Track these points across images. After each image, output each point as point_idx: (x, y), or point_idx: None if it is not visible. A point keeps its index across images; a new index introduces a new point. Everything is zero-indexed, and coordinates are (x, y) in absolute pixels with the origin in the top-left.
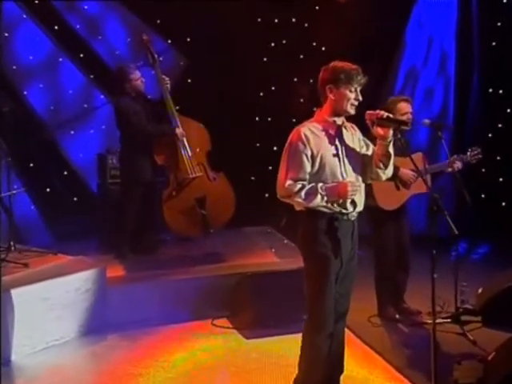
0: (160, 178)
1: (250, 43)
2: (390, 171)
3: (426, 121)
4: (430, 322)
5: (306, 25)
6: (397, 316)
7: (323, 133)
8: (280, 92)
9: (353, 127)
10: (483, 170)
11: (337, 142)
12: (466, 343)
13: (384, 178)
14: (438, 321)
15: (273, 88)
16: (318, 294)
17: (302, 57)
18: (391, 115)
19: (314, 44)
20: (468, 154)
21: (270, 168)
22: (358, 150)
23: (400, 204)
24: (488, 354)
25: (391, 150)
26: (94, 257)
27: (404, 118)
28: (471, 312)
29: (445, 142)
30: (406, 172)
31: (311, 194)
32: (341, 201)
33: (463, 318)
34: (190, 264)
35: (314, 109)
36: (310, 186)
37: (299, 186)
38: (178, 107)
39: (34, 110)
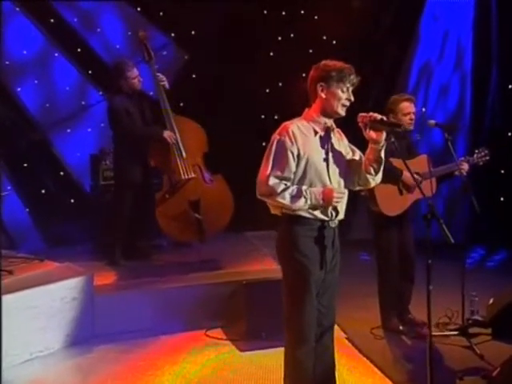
0: (155, 180)
1: (256, 37)
2: (379, 177)
3: (432, 122)
4: (436, 334)
5: (316, 17)
6: (401, 327)
7: (312, 133)
8: (287, 88)
9: (339, 132)
10: (502, 171)
11: (326, 145)
12: (472, 357)
13: (373, 184)
14: (444, 333)
15: (280, 84)
16: (297, 306)
17: (311, 51)
18: (385, 117)
19: (324, 38)
20: (475, 155)
21: None
22: (344, 154)
23: (403, 209)
24: (493, 369)
25: (383, 154)
26: (85, 263)
27: (406, 118)
28: (480, 324)
29: (452, 144)
30: (410, 176)
31: (295, 196)
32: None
33: (472, 330)
34: (185, 271)
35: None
36: (295, 187)
37: (283, 185)
38: (181, 104)
39: (26, 108)
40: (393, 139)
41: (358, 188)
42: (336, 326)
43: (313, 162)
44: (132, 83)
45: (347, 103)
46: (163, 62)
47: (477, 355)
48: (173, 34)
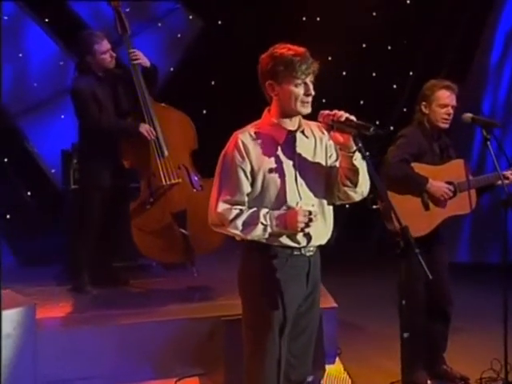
0: (133, 183)
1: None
2: (363, 189)
3: (468, 115)
4: None
5: None
6: (429, 382)
7: (269, 141)
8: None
9: (319, 128)
10: None
11: (288, 154)
12: None
13: (357, 198)
14: None
15: None
16: (257, 355)
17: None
18: (352, 117)
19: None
20: None
21: None
22: (321, 161)
23: (431, 229)
24: None
25: (357, 162)
26: (44, 288)
27: (442, 111)
28: None
29: (492, 145)
30: (438, 185)
31: (250, 223)
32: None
33: None
34: (162, 302)
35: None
36: (250, 211)
37: (235, 211)
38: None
39: None
40: (360, 144)
41: (339, 202)
42: (344, 374)
43: (272, 178)
44: (101, 59)
45: (308, 99)
46: (169, 31)
47: None
48: None
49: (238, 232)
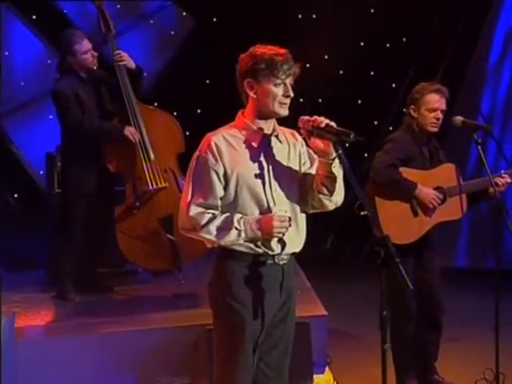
0: (119, 187)
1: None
2: (338, 198)
3: (458, 118)
4: None
5: None
6: None
7: (243, 144)
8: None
9: (293, 134)
10: None
11: (262, 158)
12: None
13: (331, 207)
14: None
15: (307, 66)
16: (229, 367)
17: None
18: (333, 123)
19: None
20: None
21: None
22: (295, 167)
23: (421, 235)
24: None
25: (336, 170)
26: (27, 295)
27: (430, 116)
28: None
29: (482, 150)
30: (427, 192)
31: (224, 228)
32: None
33: None
34: (145, 309)
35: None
36: (224, 216)
37: (208, 216)
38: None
39: None
40: (340, 151)
41: (312, 211)
42: None
43: (245, 181)
44: (82, 59)
45: (286, 100)
46: (161, 28)
47: None
48: None
49: (210, 237)
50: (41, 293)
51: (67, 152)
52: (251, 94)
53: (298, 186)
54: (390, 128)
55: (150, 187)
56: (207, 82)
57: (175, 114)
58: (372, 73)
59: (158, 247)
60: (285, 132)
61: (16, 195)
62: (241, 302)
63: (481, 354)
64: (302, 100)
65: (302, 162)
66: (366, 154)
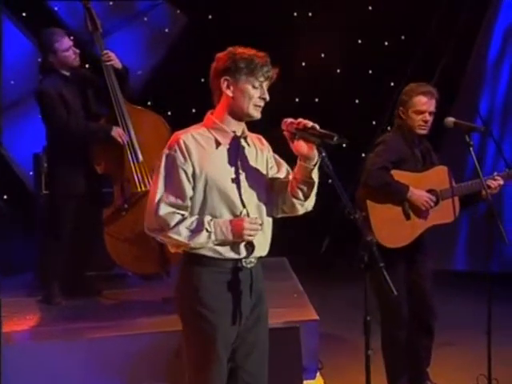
0: (107, 189)
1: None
2: (310, 204)
3: (450, 120)
4: None
5: None
6: None
7: (213, 144)
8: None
9: (260, 140)
10: None
11: (233, 159)
12: None
13: (301, 211)
14: None
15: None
16: (200, 374)
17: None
18: (316, 126)
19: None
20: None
21: None
22: (262, 170)
23: (413, 238)
24: None
25: (315, 175)
26: (13, 299)
27: (418, 118)
28: None
29: (474, 151)
30: (419, 194)
31: (194, 229)
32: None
33: None
34: (133, 314)
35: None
36: (194, 218)
37: (178, 216)
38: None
39: None
40: (324, 153)
41: (280, 215)
42: None
43: (215, 182)
44: (64, 57)
45: (261, 103)
46: (154, 26)
47: None
48: None
49: (180, 238)
50: (28, 296)
51: (53, 153)
52: (228, 92)
53: (266, 191)
54: (389, 128)
55: (139, 189)
56: (202, 80)
57: (170, 113)
58: (370, 72)
59: (146, 250)
60: (252, 137)
61: (5, 197)
62: (210, 308)
63: (476, 358)
64: (297, 100)
65: (269, 166)
66: (363, 155)
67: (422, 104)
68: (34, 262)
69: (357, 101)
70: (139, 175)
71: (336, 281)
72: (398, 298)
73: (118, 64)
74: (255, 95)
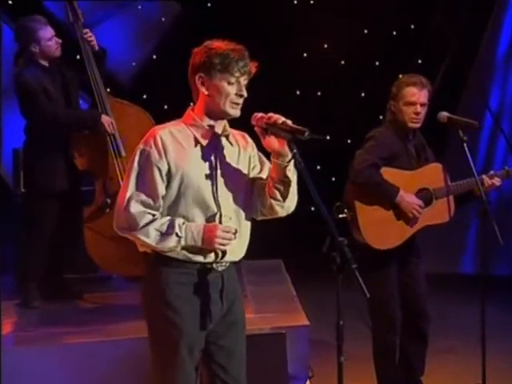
0: (88, 187)
1: None
2: (290, 204)
3: (444, 114)
4: None
5: None
6: None
7: (191, 141)
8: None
9: (244, 137)
10: None
11: (211, 158)
12: None
13: (282, 213)
14: None
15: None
16: (163, 379)
17: None
18: (289, 121)
19: None
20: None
21: None
22: (244, 171)
23: (403, 240)
24: None
25: (291, 173)
26: None
27: (409, 110)
28: None
29: (467, 148)
30: (408, 200)
31: (164, 232)
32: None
33: None
34: (115, 318)
35: None
36: (166, 220)
37: (149, 217)
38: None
39: None
40: (295, 150)
41: (261, 218)
42: None
43: (191, 182)
44: (47, 47)
45: (239, 100)
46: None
47: None
48: None
49: (147, 240)
50: (5, 300)
51: (32, 148)
52: (202, 90)
53: (246, 192)
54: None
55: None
56: None
57: (166, 107)
58: (377, 63)
59: (131, 251)
60: (235, 134)
61: None
62: (177, 311)
63: (470, 367)
64: (298, 93)
65: (252, 165)
66: None
67: (412, 95)
68: (13, 264)
69: (363, 94)
70: (122, 171)
71: (334, 284)
72: (391, 302)
73: (95, 46)
74: (231, 92)
